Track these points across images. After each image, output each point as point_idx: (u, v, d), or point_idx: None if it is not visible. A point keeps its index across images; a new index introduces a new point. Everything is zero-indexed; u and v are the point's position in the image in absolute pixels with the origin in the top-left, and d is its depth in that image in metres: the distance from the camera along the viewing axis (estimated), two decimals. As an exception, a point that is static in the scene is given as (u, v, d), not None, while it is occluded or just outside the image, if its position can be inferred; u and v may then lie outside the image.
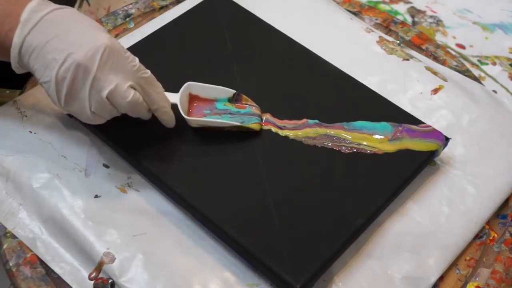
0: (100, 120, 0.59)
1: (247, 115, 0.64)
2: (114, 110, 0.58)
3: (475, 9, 0.95)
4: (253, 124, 0.64)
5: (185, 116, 0.62)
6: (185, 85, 0.64)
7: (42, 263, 0.58)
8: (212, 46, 0.72)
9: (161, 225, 0.60)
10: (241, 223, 0.58)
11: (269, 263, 0.55)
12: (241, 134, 0.64)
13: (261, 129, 0.64)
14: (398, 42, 0.79)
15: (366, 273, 0.58)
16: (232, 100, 0.66)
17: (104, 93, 0.56)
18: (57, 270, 0.58)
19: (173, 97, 0.63)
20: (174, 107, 0.62)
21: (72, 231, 0.59)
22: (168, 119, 0.62)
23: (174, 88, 0.67)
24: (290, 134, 0.64)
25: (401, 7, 0.94)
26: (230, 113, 0.65)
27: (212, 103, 0.66)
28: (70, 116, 0.66)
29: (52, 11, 0.57)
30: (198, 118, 0.64)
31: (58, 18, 0.57)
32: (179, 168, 0.61)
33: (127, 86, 0.57)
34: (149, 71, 0.59)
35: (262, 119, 0.65)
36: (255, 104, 0.66)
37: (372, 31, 0.79)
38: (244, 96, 0.66)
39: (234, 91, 0.66)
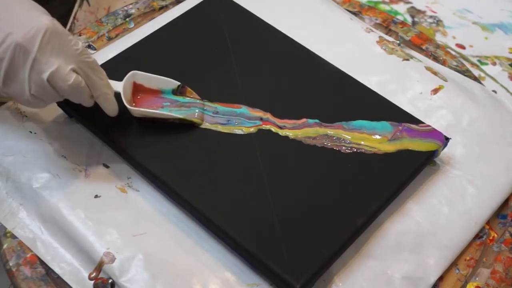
0: (40, 104, 0.58)
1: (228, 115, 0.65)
2: (55, 93, 0.57)
3: (475, 9, 0.95)
4: (196, 118, 0.64)
5: (127, 106, 0.62)
6: (129, 73, 0.64)
7: (42, 263, 0.58)
8: (212, 46, 0.72)
9: (161, 225, 0.60)
10: (241, 223, 0.58)
11: (269, 263, 0.55)
12: (241, 134, 0.64)
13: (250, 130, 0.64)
14: (398, 42, 0.79)
15: (366, 273, 0.58)
16: (177, 92, 0.66)
17: (45, 75, 0.55)
18: (57, 270, 0.58)
19: (117, 85, 0.62)
20: (117, 95, 0.61)
21: (72, 231, 0.59)
22: (111, 107, 0.61)
23: (174, 88, 0.67)
24: (290, 134, 0.64)
25: (401, 7, 0.94)
26: (200, 107, 0.65)
27: (157, 94, 0.65)
28: (70, 116, 0.66)
29: None
30: (140, 108, 0.63)
31: None
32: (179, 168, 0.61)
33: (69, 69, 0.56)
34: (92, 56, 0.58)
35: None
36: (199, 97, 0.66)
37: (372, 31, 0.79)
38: (189, 89, 0.66)
39: (179, 83, 0.65)
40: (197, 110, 0.65)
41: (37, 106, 0.58)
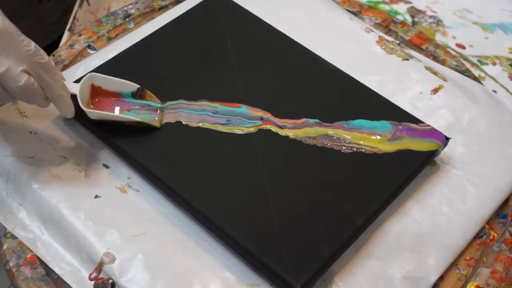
0: None
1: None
2: (6, 95, 0.56)
3: (475, 9, 0.95)
4: (155, 122, 0.64)
5: (83, 108, 0.61)
6: (87, 75, 0.63)
7: (42, 263, 0.58)
8: (212, 46, 0.72)
9: (161, 225, 0.60)
10: (241, 223, 0.58)
11: (269, 263, 0.55)
12: (241, 134, 0.64)
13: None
14: (398, 42, 0.79)
15: (366, 273, 0.58)
16: (136, 95, 0.65)
17: None
18: (57, 270, 0.58)
19: (73, 87, 0.61)
20: (74, 98, 0.61)
21: (72, 232, 0.59)
22: (66, 109, 0.60)
23: (173, 88, 0.67)
24: (290, 133, 0.64)
25: (401, 7, 0.94)
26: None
27: (117, 97, 0.65)
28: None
29: None
30: (96, 110, 0.63)
31: None
32: (179, 168, 0.61)
33: (20, 70, 0.55)
34: (47, 57, 0.57)
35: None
36: (159, 101, 0.65)
37: (372, 31, 0.79)
38: (148, 92, 0.65)
39: (138, 86, 0.65)
40: (158, 113, 0.65)
41: None
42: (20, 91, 0.56)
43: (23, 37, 0.56)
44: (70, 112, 0.61)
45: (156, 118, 0.64)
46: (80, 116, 0.64)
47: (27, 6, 0.86)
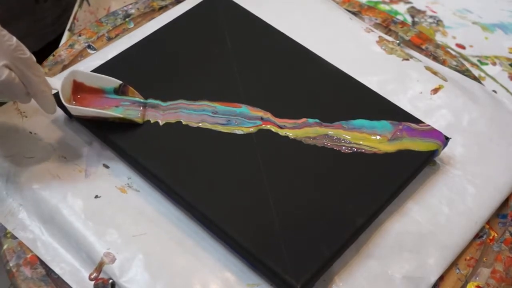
0: None
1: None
2: None
3: (475, 9, 0.95)
4: (138, 118, 0.64)
5: (65, 104, 0.61)
6: (68, 72, 0.63)
7: (42, 263, 0.58)
8: (212, 46, 0.72)
9: (161, 225, 0.60)
10: (241, 223, 0.58)
11: (269, 263, 0.55)
12: (241, 134, 0.64)
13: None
14: (398, 42, 0.79)
15: (366, 273, 0.58)
16: (118, 91, 0.65)
17: None
18: (57, 270, 0.58)
19: (55, 84, 0.61)
20: (56, 94, 0.61)
21: (72, 232, 0.59)
22: (48, 105, 0.60)
23: (173, 88, 0.67)
24: (290, 133, 0.64)
25: (401, 7, 0.94)
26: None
27: (99, 93, 0.65)
28: (70, 116, 0.66)
29: None
30: (79, 107, 0.63)
31: None
32: (179, 168, 0.61)
33: (1, 65, 0.55)
34: (28, 52, 0.57)
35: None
36: (141, 97, 0.65)
37: (372, 31, 0.79)
38: (131, 88, 0.65)
39: (121, 82, 0.65)
40: (141, 109, 0.65)
41: None
42: (1, 86, 0.56)
43: (4, 32, 0.56)
44: (52, 108, 0.60)
45: (139, 114, 0.64)
46: (67, 113, 0.64)
47: (23, 7, 0.86)
